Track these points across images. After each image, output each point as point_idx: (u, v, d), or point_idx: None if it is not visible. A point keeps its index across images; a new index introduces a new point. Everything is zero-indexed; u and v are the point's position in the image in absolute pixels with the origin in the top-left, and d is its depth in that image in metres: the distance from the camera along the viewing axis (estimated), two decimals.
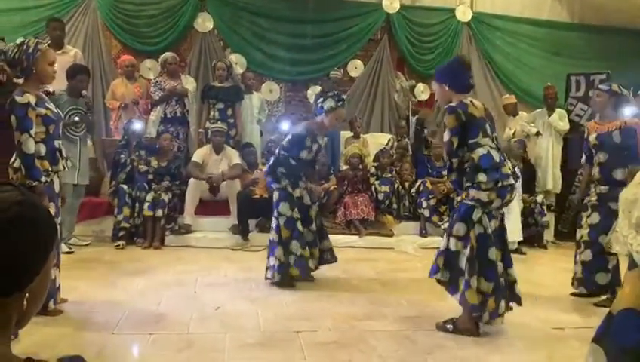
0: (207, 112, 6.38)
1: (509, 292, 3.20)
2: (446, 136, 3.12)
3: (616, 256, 3.81)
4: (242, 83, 6.85)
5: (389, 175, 6.33)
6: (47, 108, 3.11)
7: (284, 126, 6.40)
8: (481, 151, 3.05)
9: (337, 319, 3.37)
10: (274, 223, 4.08)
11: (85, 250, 5.08)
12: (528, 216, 6.09)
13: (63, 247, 4.55)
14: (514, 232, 5.37)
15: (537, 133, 6.66)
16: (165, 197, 5.42)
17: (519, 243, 5.72)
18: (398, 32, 7.72)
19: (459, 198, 3.28)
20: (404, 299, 3.85)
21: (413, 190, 6.28)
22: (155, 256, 5.00)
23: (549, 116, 6.66)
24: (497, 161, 3.07)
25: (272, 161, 4.16)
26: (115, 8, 6.97)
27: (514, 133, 6.68)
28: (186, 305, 3.55)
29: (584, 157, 4.12)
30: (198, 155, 5.86)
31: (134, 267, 4.53)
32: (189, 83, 6.45)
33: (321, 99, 4.11)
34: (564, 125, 6.63)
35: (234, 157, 5.90)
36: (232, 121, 6.34)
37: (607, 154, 3.86)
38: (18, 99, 2.94)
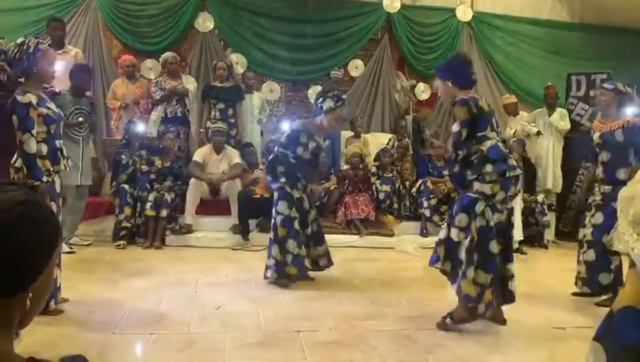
0: (208, 112, 6.38)
1: (501, 288, 3.22)
2: (456, 128, 3.15)
3: (619, 256, 3.80)
4: (243, 83, 6.85)
5: (390, 174, 6.33)
6: (49, 108, 3.12)
7: (285, 126, 6.40)
8: (489, 143, 3.11)
9: (338, 319, 3.37)
10: (272, 221, 4.11)
11: (86, 250, 5.08)
12: (529, 215, 6.09)
13: (64, 247, 4.55)
14: (515, 232, 5.36)
15: (538, 133, 6.65)
16: (168, 197, 5.43)
17: (520, 242, 5.72)
18: (398, 31, 7.71)
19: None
20: (404, 299, 3.85)
21: (414, 190, 6.28)
22: (156, 256, 5.01)
23: (550, 116, 6.65)
24: (505, 152, 3.12)
25: (270, 158, 4.18)
26: (115, 8, 6.97)
27: (514, 133, 6.67)
28: (187, 304, 3.55)
29: (591, 156, 4.14)
30: (198, 155, 5.86)
31: (135, 267, 4.54)
32: (189, 83, 6.46)
33: (320, 99, 4.11)
34: (565, 125, 6.63)
35: (234, 156, 5.90)
36: (232, 120, 6.34)
37: (610, 154, 3.86)
38: (19, 98, 2.95)
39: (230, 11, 7.33)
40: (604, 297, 3.89)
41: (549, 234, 6.44)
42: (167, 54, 6.37)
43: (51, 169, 3.09)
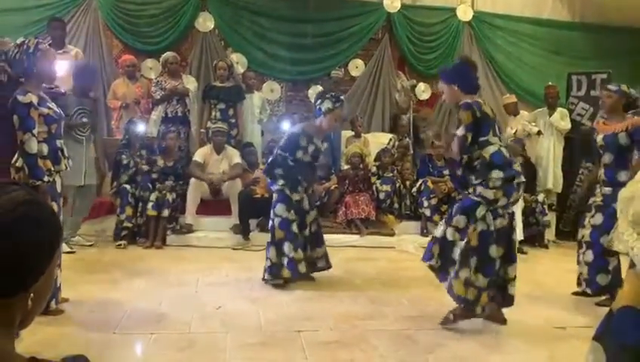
0: (209, 112, 6.38)
1: (501, 291, 3.24)
2: (461, 132, 3.15)
3: (617, 257, 3.81)
4: (243, 82, 6.85)
5: (391, 174, 6.33)
6: (49, 108, 3.12)
7: (285, 126, 6.41)
8: (492, 148, 3.12)
9: (338, 318, 3.37)
10: (270, 224, 4.12)
11: (87, 250, 5.07)
12: (529, 215, 6.09)
13: (65, 247, 4.56)
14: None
15: (539, 133, 6.65)
16: (170, 197, 5.43)
17: (520, 242, 5.71)
18: (399, 31, 7.71)
19: (460, 198, 3.31)
20: (405, 299, 3.86)
21: (414, 189, 6.28)
22: (157, 256, 5.01)
23: (551, 115, 6.64)
24: (509, 158, 3.14)
25: (269, 161, 4.19)
26: (116, 8, 6.97)
27: (515, 133, 6.67)
28: (188, 304, 3.55)
29: (595, 157, 4.15)
30: (199, 155, 5.87)
31: (136, 267, 4.54)
32: (190, 82, 6.46)
33: (319, 100, 4.12)
34: (566, 124, 6.62)
35: (235, 156, 5.91)
36: (233, 120, 6.34)
37: (612, 156, 3.85)
38: (20, 98, 2.95)
39: (230, 11, 7.34)
40: (604, 297, 3.89)
41: (550, 234, 6.44)
42: (168, 54, 6.37)
43: (52, 169, 3.10)
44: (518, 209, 5.61)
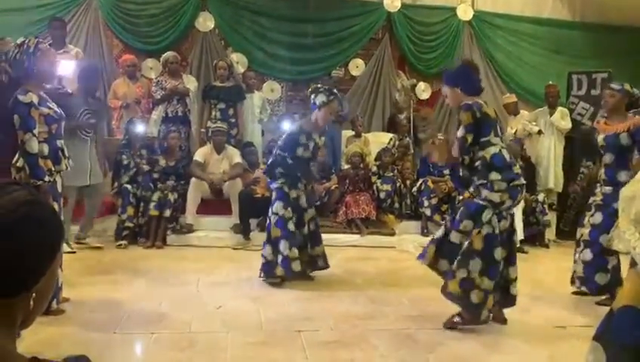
0: (209, 112, 6.39)
1: (503, 291, 3.24)
2: (460, 133, 3.17)
3: (617, 256, 3.80)
4: (244, 82, 6.85)
5: (391, 174, 6.33)
6: (50, 108, 3.12)
7: (286, 125, 6.40)
8: (493, 149, 3.13)
9: (339, 318, 3.37)
10: (267, 221, 4.15)
11: (87, 250, 5.06)
12: (530, 214, 6.09)
13: (65, 247, 4.55)
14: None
15: (539, 132, 6.64)
16: (171, 197, 5.44)
17: (521, 241, 5.71)
18: (399, 30, 7.71)
19: (461, 197, 3.31)
20: (405, 298, 3.86)
21: (414, 189, 6.28)
22: (157, 256, 5.01)
23: (551, 115, 6.64)
24: (509, 160, 3.14)
25: (270, 161, 4.21)
26: (116, 8, 6.97)
27: (515, 132, 6.67)
28: (188, 304, 3.56)
29: (597, 156, 4.16)
30: (199, 155, 5.87)
31: (136, 266, 4.54)
32: (190, 82, 6.46)
33: (313, 95, 4.16)
34: (566, 124, 6.62)
35: (235, 156, 5.91)
36: (233, 120, 6.35)
37: (613, 156, 3.84)
38: (21, 98, 2.95)
39: (231, 11, 7.34)
40: (604, 296, 3.89)
41: (550, 234, 6.44)
42: (168, 54, 6.37)
43: (53, 169, 3.10)
44: (518, 209, 5.61)
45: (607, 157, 3.88)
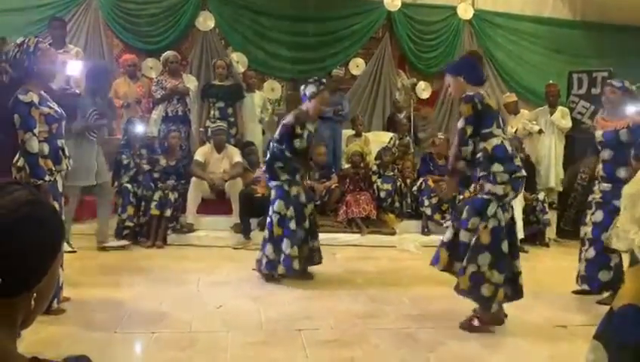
0: (208, 111, 6.38)
1: (512, 284, 3.24)
2: (460, 124, 3.17)
3: (619, 254, 3.80)
4: (244, 82, 6.85)
5: (391, 173, 6.33)
6: (50, 108, 3.12)
7: None
8: (495, 141, 3.12)
9: (339, 317, 3.37)
10: (268, 220, 4.14)
11: (87, 251, 5.06)
12: (530, 213, 6.08)
13: (66, 246, 4.56)
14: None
15: (540, 131, 6.63)
16: (172, 196, 5.44)
17: (521, 241, 5.69)
18: (399, 29, 7.71)
19: (461, 197, 3.30)
20: (405, 297, 3.85)
21: (415, 188, 6.28)
22: (158, 255, 5.01)
23: (551, 114, 6.64)
24: (511, 152, 3.13)
25: (268, 156, 4.21)
26: (116, 7, 6.97)
27: (516, 131, 6.66)
28: (189, 303, 3.56)
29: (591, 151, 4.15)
30: (199, 154, 5.87)
31: (137, 266, 4.54)
32: (190, 82, 6.46)
33: (303, 86, 4.21)
34: (567, 123, 6.62)
35: (235, 155, 5.90)
36: (232, 119, 6.34)
37: (612, 152, 3.85)
38: (21, 97, 2.96)
39: (231, 10, 7.34)
40: (605, 295, 3.88)
41: (551, 233, 6.43)
42: (168, 53, 6.37)
43: (53, 168, 3.10)
44: (518, 207, 5.62)
45: (606, 154, 3.88)
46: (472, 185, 3.28)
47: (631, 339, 1.26)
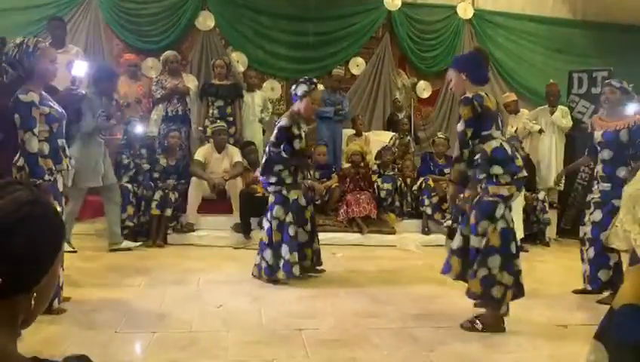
0: (206, 110, 6.38)
1: (515, 284, 3.24)
2: (460, 127, 3.15)
3: (618, 253, 3.80)
4: (244, 81, 6.85)
5: (392, 172, 6.34)
6: (51, 107, 3.12)
7: None
8: (494, 143, 3.12)
9: (340, 316, 3.37)
10: (266, 225, 4.12)
11: (87, 250, 5.06)
12: (530, 213, 6.09)
13: (66, 246, 4.56)
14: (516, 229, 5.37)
15: (540, 131, 6.63)
16: (172, 196, 5.44)
17: (521, 240, 5.70)
18: (399, 29, 7.71)
19: (461, 196, 3.29)
20: (406, 297, 3.85)
21: (415, 187, 6.28)
22: (158, 255, 5.01)
23: (552, 113, 6.64)
24: (510, 153, 3.12)
25: (264, 161, 4.15)
26: (116, 7, 6.97)
27: (516, 131, 6.66)
28: (189, 303, 3.56)
29: (588, 150, 4.14)
30: (200, 154, 5.87)
31: (137, 265, 4.54)
32: (190, 81, 6.46)
33: (294, 86, 4.18)
34: (567, 122, 6.61)
35: (235, 155, 5.91)
36: (231, 119, 6.33)
37: (611, 152, 3.85)
38: (22, 97, 2.96)
39: (231, 10, 7.34)
40: (605, 294, 3.88)
41: (551, 232, 6.43)
42: (168, 53, 6.37)
43: (53, 168, 3.10)
44: (519, 207, 5.62)
45: (605, 154, 3.88)
46: (470, 184, 3.26)
47: (631, 338, 1.26)
